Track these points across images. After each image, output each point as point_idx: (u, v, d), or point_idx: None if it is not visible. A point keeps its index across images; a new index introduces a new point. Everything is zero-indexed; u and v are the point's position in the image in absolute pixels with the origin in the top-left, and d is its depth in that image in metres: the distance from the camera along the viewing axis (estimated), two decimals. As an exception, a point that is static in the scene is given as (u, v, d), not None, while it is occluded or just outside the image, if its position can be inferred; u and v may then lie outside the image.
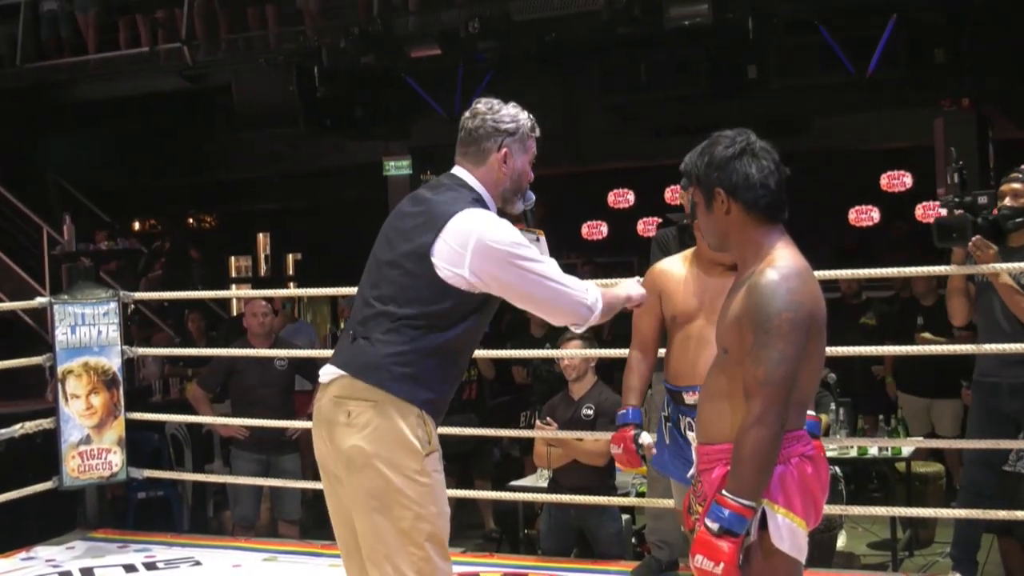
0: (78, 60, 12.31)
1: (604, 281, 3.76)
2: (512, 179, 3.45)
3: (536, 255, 3.35)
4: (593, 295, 3.39)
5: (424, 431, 3.28)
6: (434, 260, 3.26)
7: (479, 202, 3.38)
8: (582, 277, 3.59)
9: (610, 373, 7.37)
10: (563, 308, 3.38)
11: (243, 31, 11.54)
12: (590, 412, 6.07)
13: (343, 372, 3.33)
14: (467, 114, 3.48)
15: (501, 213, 3.47)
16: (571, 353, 6.10)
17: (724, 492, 2.73)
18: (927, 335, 8.28)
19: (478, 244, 3.25)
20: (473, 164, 3.44)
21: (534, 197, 3.58)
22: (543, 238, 3.61)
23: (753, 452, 2.70)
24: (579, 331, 3.45)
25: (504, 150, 3.42)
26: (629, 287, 3.65)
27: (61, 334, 6.20)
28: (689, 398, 4.17)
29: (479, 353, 7.25)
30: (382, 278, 3.37)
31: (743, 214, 2.88)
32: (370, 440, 3.24)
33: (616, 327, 9.99)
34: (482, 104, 3.48)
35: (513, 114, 3.46)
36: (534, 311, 3.51)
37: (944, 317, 7.98)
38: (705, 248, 4.16)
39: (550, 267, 3.36)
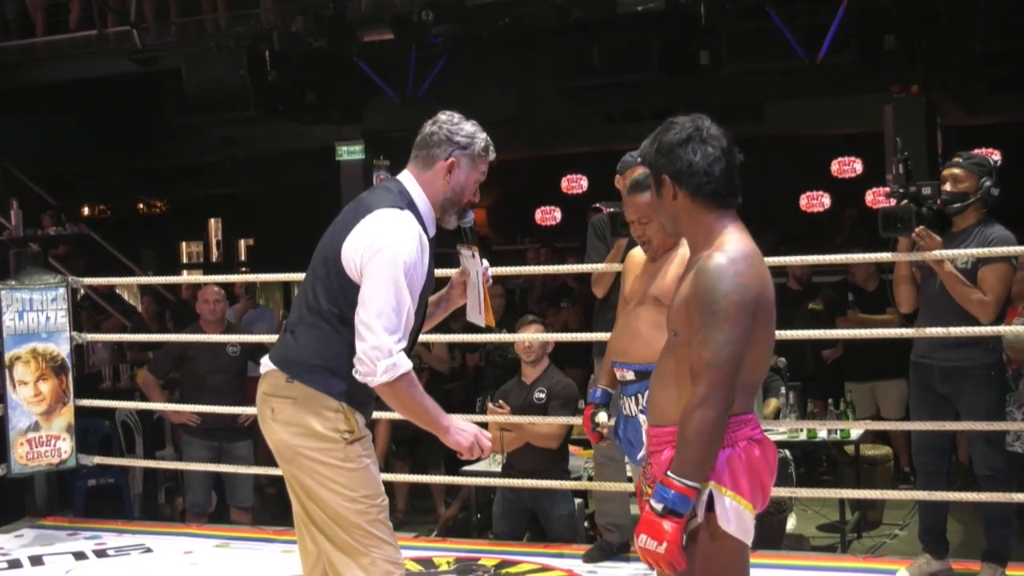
0: (25, 43, 12.12)
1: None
2: (454, 191, 3.45)
3: (392, 285, 3.20)
4: (390, 361, 3.19)
5: (345, 422, 3.33)
6: (343, 254, 3.30)
7: (410, 206, 3.37)
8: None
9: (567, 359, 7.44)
10: (364, 341, 3.21)
11: (194, 14, 11.41)
12: (542, 396, 6.19)
13: (272, 366, 3.41)
14: (430, 120, 3.50)
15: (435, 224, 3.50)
16: (528, 337, 6.19)
17: (669, 473, 2.75)
18: (858, 314, 8.40)
19: (371, 246, 3.24)
20: (419, 169, 3.46)
21: (473, 216, 3.61)
22: (478, 254, 3.66)
23: (697, 433, 2.73)
24: (365, 379, 3.24)
25: (451, 160, 3.42)
26: (462, 425, 3.42)
27: (9, 320, 6.15)
28: (618, 374, 4.30)
29: (434, 338, 7.24)
30: (312, 274, 3.42)
31: (689, 200, 2.90)
32: (292, 435, 3.33)
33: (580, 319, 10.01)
34: (446, 114, 3.50)
35: (471, 131, 3.46)
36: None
37: (878, 298, 8.18)
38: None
39: (389, 303, 3.19)
